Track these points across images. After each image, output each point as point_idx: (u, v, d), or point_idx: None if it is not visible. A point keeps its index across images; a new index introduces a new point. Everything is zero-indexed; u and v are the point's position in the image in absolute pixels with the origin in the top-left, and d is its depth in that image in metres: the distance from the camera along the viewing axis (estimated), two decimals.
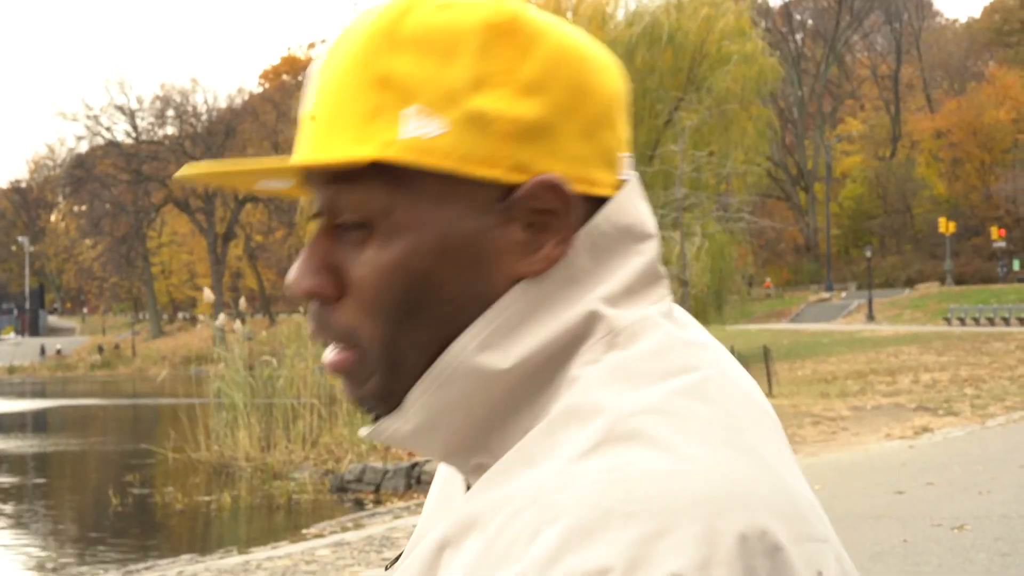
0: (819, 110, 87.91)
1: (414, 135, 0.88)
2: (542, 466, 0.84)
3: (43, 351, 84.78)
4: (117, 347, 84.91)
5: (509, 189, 0.90)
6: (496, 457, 0.91)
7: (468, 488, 1.01)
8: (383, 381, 0.93)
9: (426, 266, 0.90)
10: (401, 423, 0.93)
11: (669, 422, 0.84)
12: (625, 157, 0.97)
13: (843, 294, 68.26)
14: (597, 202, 0.94)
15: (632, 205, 0.96)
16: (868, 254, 60.53)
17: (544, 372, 0.91)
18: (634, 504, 0.78)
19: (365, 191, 0.90)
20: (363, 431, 0.98)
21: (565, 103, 0.91)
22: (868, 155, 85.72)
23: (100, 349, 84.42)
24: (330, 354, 0.95)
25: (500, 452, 0.91)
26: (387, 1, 0.92)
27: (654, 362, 0.89)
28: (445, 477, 1.11)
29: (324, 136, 0.91)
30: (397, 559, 1.07)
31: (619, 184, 0.96)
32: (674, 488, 0.79)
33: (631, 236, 0.95)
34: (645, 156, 32.01)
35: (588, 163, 0.92)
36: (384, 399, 0.94)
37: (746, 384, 0.94)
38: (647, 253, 0.96)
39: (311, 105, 0.94)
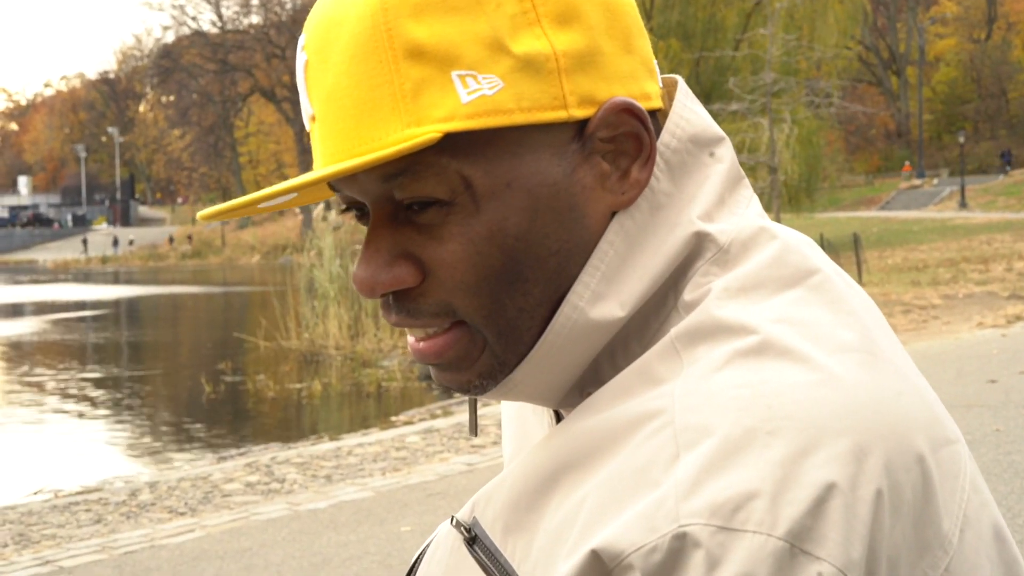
0: None
1: (475, 98, 0.83)
2: (671, 384, 0.81)
3: (116, 242, 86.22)
4: (190, 238, 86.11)
5: (580, 125, 0.86)
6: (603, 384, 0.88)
7: (558, 417, 0.99)
8: (497, 352, 0.89)
9: (523, 226, 0.86)
10: (518, 390, 0.90)
11: (799, 331, 0.81)
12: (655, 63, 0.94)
13: (935, 181, 67.06)
14: (651, 116, 0.91)
15: (691, 112, 0.93)
16: (961, 139, 59.34)
17: (654, 300, 0.88)
18: (776, 421, 0.75)
19: (434, 171, 0.84)
20: (462, 391, 0.93)
21: (601, 22, 0.87)
22: (962, 37, 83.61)
23: (171, 239, 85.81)
24: (423, 342, 0.90)
25: (610, 380, 0.88)
26: None
27: (771, 270, 0.86)
28: (517, 412, 1.10)
29: (359, 130, 0.85)
30: None
31: (663, 92, 0.93)
32: (815, 402, 0.76)
33: (702, 144, 0.92)
34: (733, 40, 31.51)
35: (639, 78, 0.89)
36: (496, 374, 0.90)
37: (849, 277, 0.92)
38: (724, 158, 0.93)
39: (320, 106, 0.87)
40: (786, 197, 29.94)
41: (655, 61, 0.93)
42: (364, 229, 0.93)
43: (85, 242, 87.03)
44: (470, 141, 0.84)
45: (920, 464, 0.78)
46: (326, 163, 0.87)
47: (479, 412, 1.28)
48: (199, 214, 0.91)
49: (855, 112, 44.71)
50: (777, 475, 0.73)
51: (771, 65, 27.84)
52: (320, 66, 0.87)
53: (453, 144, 0.83)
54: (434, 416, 11.68)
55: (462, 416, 11.01)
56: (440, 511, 7.06)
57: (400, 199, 0.87)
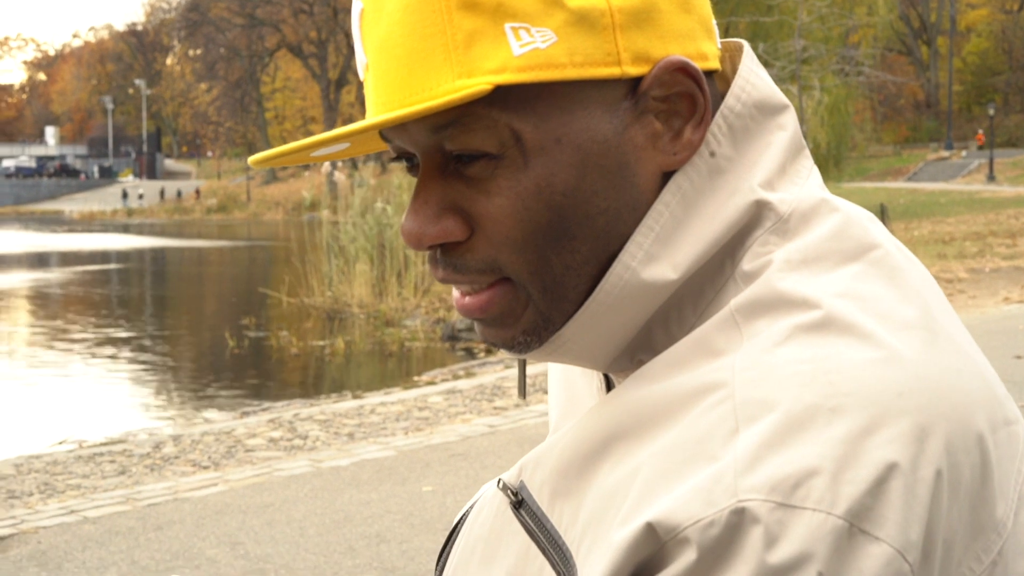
0: None
1: (527, 51, 0.82)
2: (731, 356, 0.80)
3: (125, 195, 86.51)
4: (197, 192, 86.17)
5: (634, 83, 0.85)
6: (659, 353, 0.87)
7: (607, 383, 0.98)
8: (542, 310, 0.88)
9: (572, 182, 0.84)
10: (566, 349, 0.89)
11: (861, 307, 0.80)
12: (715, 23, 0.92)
13: (963, 153, 66.59)
14: (708, 77, 0.89)
15: (757, 77, 0.91)
16: (991, 112, 58.82)
17: (710, 268, 0.86)
18: (839, 398, 0.75)
19: (484, 123, 0.83)
20: (502, 348, 0.92)
21: None
22: (994, 8, 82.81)
23: (197, 193, 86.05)
24: (468, 298, 0.90)
25: (664, 348, 0.87)
26: None
27: (832, 243, 0.85)
28: (564, 375, 1.08)
29: (411, 80, 0.84)
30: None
31: (720, 54, 0.92)
32: (877, 380, 0.76)
33: (767, 111, 0.91)
34: (764, 5, 31.27)
35: (696, 37, 0.88)
36: (540, 331, 0.89)
37: (909, 252, 0.90)
38: (788, 126, 0.91)
39: (373, 55, 0.87)
40: None
41: (714, 22, 0.92)
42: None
43: (125, 195, 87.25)
44: (521, 95, 0.83)
45: (979, 445, 0.77)
46: (377, 112, 0.86)
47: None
48: (250, 159, 0.90)
49: (884, 81, 44.38)
50: (838, 453, 0.73)
51: (801, 32, 27.65)
52: (375, 15, 0.86)
53: (504, 97, 0.82)
54: (457, 377, 11.71)
55: (485, 378, 11.03)
56: (462, 472, 7.09)
57: (450, 150, 0.86)
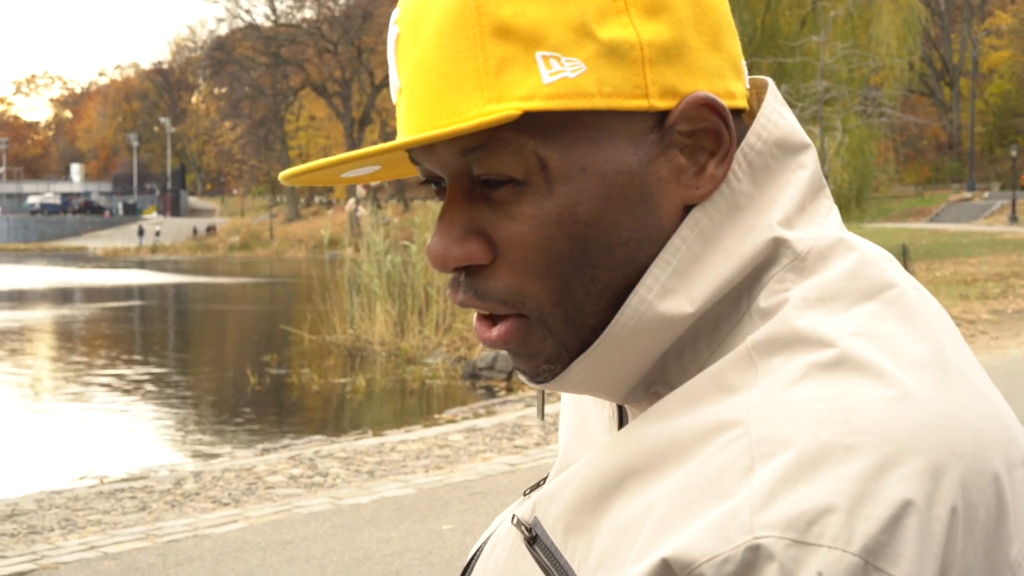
0: (967, 2, 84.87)
1: (557, 79, 0.83)
2: (746, 394, 0.81)
3: (141, 232, 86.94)
4: (212, 228, 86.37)
5: (660, 117, 0.86)
6: (673, 387, 0.88)
7: (620, 412, 0.99)
8: (561, 339, 0.89)
9: (595, 212, 0.85)
10: (581, 379, 0.90)
11: (876, 346, 0.81)
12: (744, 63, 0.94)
13: (985, 194, 66.29)
14: (734, 115, 0.90)
15: (779, 115, 0.92)
16: (1013, 153, 58.60)
17: (726, 303, 0.87)
18: (854, 436, 0.75)
19: (511, 148, 0.85)
20: (526, 378, 0.94)
21: (690, 17, 0.87)
22: (1017, 50, 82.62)
23: (208, 229, 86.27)
24: (490, 331, 0.91)
25: (678, 383, 0.88)
26: None
27: (849, 283, 0.85)
28: (576, 401, 1.09)
29: (442, 103, 0.85)
30: (537, 486, 1.05)
31: (748, 93, 0.93)
32: (892, 418, 0.76)
33: (788, 149, 0.91)
34: (786, 47, 31.31)
35: (724, 76, 0.89)
36: (562, 358, 0.90)
37: (926, 292, 0.91)
38: (808, 165, 0.92)
39: (406, 78, 0.89)
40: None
41: (744, 62, 0.93)
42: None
43: (141, 231, 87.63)
44: (549, 122, 0.84)
45: (995, 484, 0.77)
46: (408, 134, 0.88)
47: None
48: (281, 174, 0.91)
49: (906, 123, 44.35)
50: (854, 490, 0.73)
51: (823, 73, 27.66)
52: (410, 39, 0.88)
53: (532, 124, 0.84)
54: (477, 415, 11.69)
55: (505, 416, 11.01)
56: (482, 510, 7.08)
57: (477, 175, 0.87)
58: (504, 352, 0.93)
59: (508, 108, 0.83)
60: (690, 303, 0.86)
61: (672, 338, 0.88)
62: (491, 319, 0.91)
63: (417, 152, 0.90)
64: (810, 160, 0.92)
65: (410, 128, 0.88)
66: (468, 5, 0.84)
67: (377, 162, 0.91)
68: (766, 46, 32.11)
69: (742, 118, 0.92)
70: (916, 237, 40.32)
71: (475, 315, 0.93)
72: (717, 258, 0.87)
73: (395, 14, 0.91)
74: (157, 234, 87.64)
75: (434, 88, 0.86)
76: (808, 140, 0.93)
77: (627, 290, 0.87)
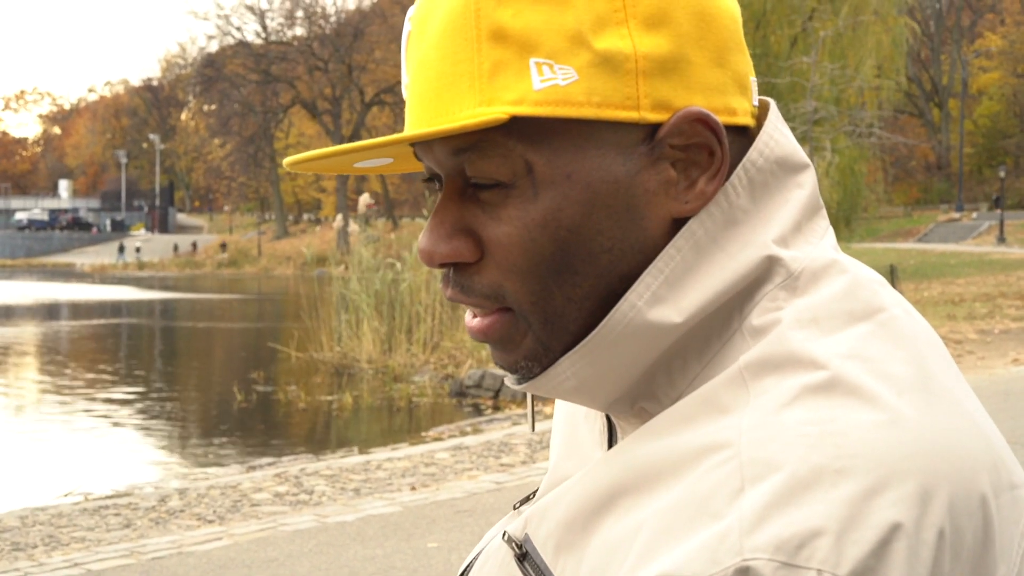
0: (957, 24, 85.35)
1: (547, 86, 0.84)
2: (737, 415, 0.80)
3: (122, 249, 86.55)
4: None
5: (652, 129, 0.86)
6: (662, 403, 0.88)
7: (610, 429, 0.99)
8: (540, 339, 0.90)
9: (577, 219, 0.86)
10: (564, 379, 0.90)
11: (867, 368, 0.80)
12: (754, 81, 0.93)
13: (974, 215, 66.63)
14: (735, 132, 0.90)
15: (781, 134, 0.92)
16: (1002, 174, 58.97)
17: (717, 319, 0.87)
18: (844, 460, 0.75)
19: (500, 151, 0.86)
20: (511, 381, 0.95)
21: (692, 32, 0.87)
22: (1006, 72, 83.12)
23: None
24: (475, 320, 0.93)
25: (666, 398, 0.88)
26: None
27: (841, 304, 0.85)
28: (568, 416, 1.09)
29: (438, 103, 0.87)
30: (528, 499, 1.06)
31: (755, 111, 0.93)
32: (882, 442, 0.76)
33: (788, 168, 0.92)
34: (776, 67, 31.44)
35: (726, 92, 0.89)
36: (540, 358, 0.91)
37: (917, 314, 0.91)
38: (806, 185, 0.92)
39: (412, 75, 0.91)
40: None
41: (752, 79, 0.93)
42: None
43: (122, 248, 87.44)
44: (538, 128, 0.85)
45: (983, 508, 0.77)
46: (410, 131, 0.89)
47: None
48: (286, 161, 0.93)
49: (895, 143, 44.54)
50: (843, 514, 0.73)
51: (813, 93, 27.77)
52: (419, 37, 0.90)
53: (521, 128, 0.85)
54: (464, 433, 11.67)
55: (492, 434, 10.99)
56: (467, 528, 7.05)
57: (469, 175, 0.89)
58: (491, 371, 0.93)
59: (496, 112, 0.84)
60: (678, 313, 0.86)
61: (659, 349, 0.87)
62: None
63: (418, 149, 0.92)
64: (809, 180, 0.92)
65: (412, 124, 0.90)
66: (469, 8, 0.86)
67: (389, 155, 0.93)
68: (756, 66, 31.75)
69: (747, 135, 0.92)
70: (904, 257, 40.52)
71: (467, 309, 0.95)
72: (709, 271, 0.87)
73: (410, 11, 0.93)
74: (138, 250, 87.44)
75: (433, 87, 0.88)
76: (808, 161, 0.94)
77: (610, 298, 0.88)
